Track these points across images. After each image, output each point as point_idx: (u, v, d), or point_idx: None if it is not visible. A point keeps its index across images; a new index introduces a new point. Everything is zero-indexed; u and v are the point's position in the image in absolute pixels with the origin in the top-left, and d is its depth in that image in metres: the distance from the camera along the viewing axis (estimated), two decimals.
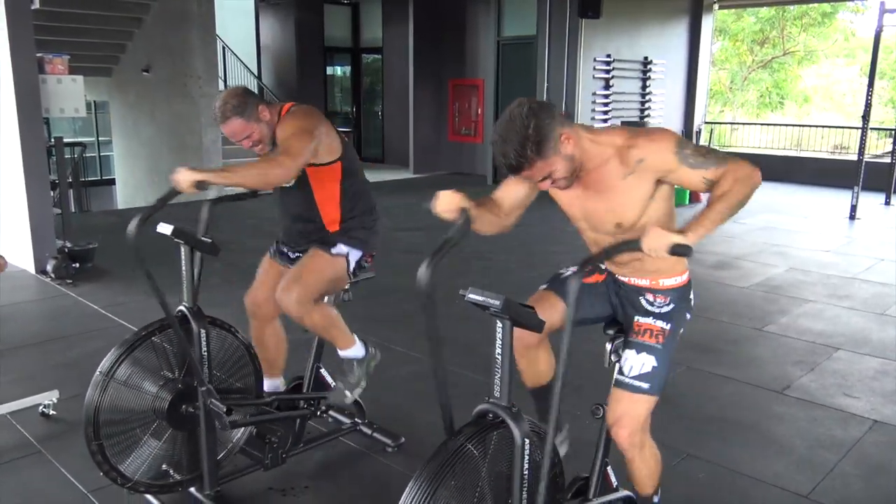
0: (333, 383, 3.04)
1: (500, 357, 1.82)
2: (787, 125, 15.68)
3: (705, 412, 3.61)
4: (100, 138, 14.14)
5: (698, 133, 13.01)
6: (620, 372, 2.20)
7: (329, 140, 2.76)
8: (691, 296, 2.29)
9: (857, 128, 14.03)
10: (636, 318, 2.22)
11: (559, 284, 2.33)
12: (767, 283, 6.02)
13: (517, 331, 2.09)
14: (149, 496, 2.71)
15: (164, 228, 2.52)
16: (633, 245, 1.86)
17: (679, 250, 1.79)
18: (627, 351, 2.20)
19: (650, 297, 2.21)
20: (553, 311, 2.26)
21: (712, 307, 5.32)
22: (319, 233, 2.84)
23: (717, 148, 1.98)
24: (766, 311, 5.28)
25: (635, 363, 2.17)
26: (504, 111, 1.97)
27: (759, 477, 3.01)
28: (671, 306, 2.21)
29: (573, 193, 2.13)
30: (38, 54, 5.80)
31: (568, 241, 7.14)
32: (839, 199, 10.17)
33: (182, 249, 2.58)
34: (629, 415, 2.16)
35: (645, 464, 2.27)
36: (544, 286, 2.38)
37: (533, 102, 1.94)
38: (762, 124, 17.04)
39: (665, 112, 12.19)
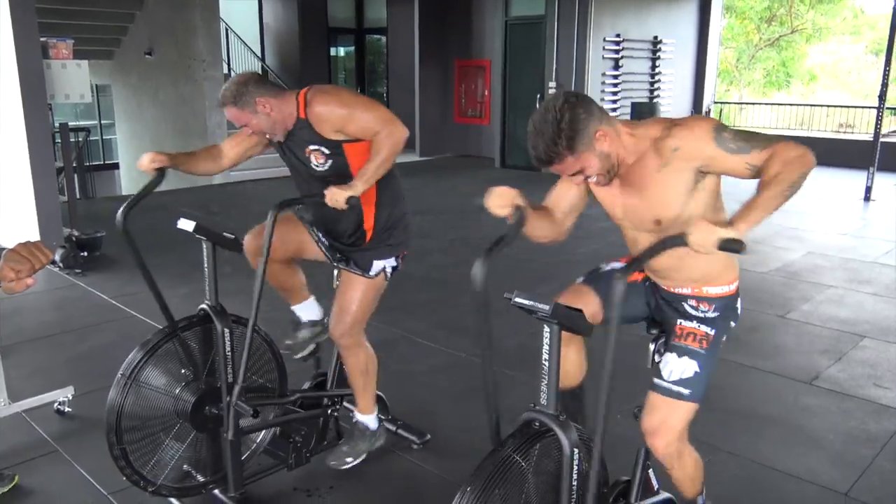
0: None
1: (546, 363, 1.73)
2: (797, 105, 15.50)
3: (734, 405, 3.53)
4: (102, 122, 13.99)
5: (708, 112, 12.86)
6: (659, 376, 2.09)
7: None
8: (738, 305, 2.20)
9: (863, 107, 13.91)
10: (679, 321, 2.12)
11: (596, 279, 2.24)
12: (786, 269, 5.93)
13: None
14: (173, 500, 2.64)
15: (186, 225, 2.44)
16: (677, 241, 1.71)
17: (729, 245, 1.63)
18: (668, 354, 2.10)
19: (693, 303, 2.12)
20: (588, 306, 2.17)
21: None
22: (354, 233, 2.72)
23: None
24: (787, 297, 5.19)
25: (675, 367, 2.06)
26: (544, 101, 1.87)
27: (794, 474, 2.93)
28: (716, 314, 2.11)
29: (613, 191, 2.03)
30: (42, 39, 5.67)
31: (585, 226, 7.04)
32: (850, 180, 10.06)
33: (204, 246, 2.49)
34: (667, 424, 2.04)
35: (684, 471, 2.18)
36: (580, 279, 2.29)
37: (571, 95, 1.84)
38: (772, 104, 16.86)
39: (675, 92, 12.04)
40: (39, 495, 2.79)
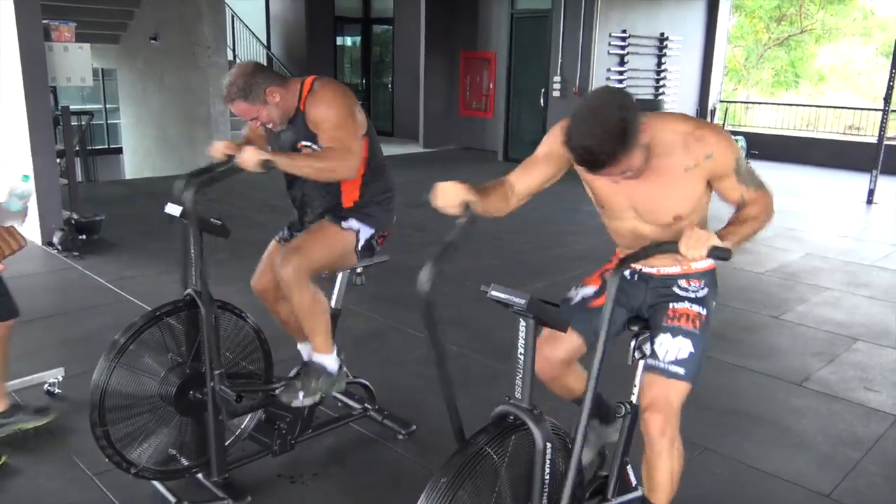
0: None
1: (522, 357, 1.73)
2: (803, 105, 15.42)
3: (723, 404, 3.53)
4: (107, 106, 14.00)
5: (713, 112, 12.80)
6: (654, 357, 2.10)
7: (360, 117, 2.66)
8: (717, 281, 2.23)
9: (871, 109, 13.80)
10: (671, 304, 2.14)
11: (570, 315, 2.21)
12: (783, 270, 5.91)
13: (544, 361, 2.14)
14: (156, 483, 2.66)
15: (173, 209, 2.44)
16: (669, 247, 1.80)
17: (719, 253, 1.74)
18: (662, 335, 2.10)
19: (684, 283, 2.15)
20: (569, 343, 2.21)
21: (727, 293, 5.21)
22: (333, 208, 2.74)
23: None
24: (783, 298, 5.18)
25: (671, 347, 2.08)
26: (587, 100, 1.83)
27: (778, 474, 2.93)
28: (706, 290, 2.16)
29: (621, 182, 1.97)
30: (44, 21, 5.67)
31: (581, 221, 7.05)
32: (855, 182, 10.00)
33: (191, 231, 2.50)
34: (664, 400, 2.05)
35: (670, 462, 2.11)
36: None
37: (621, 95, 1.80)
38: (778, 104, 16.78)
39: (680, 90, 11.98)
40: (26, 475, 2.81)
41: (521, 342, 1.71)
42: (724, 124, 12.62)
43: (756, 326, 4.62)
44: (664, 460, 2.09)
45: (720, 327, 4.52)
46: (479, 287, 1.70)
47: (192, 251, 2.50)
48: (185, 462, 2.68)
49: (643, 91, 11.26)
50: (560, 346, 2.21)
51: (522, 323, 1.70)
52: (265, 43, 13.73)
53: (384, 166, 2.82)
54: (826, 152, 12.10)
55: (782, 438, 3.23)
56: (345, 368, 2.88)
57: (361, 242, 2.74)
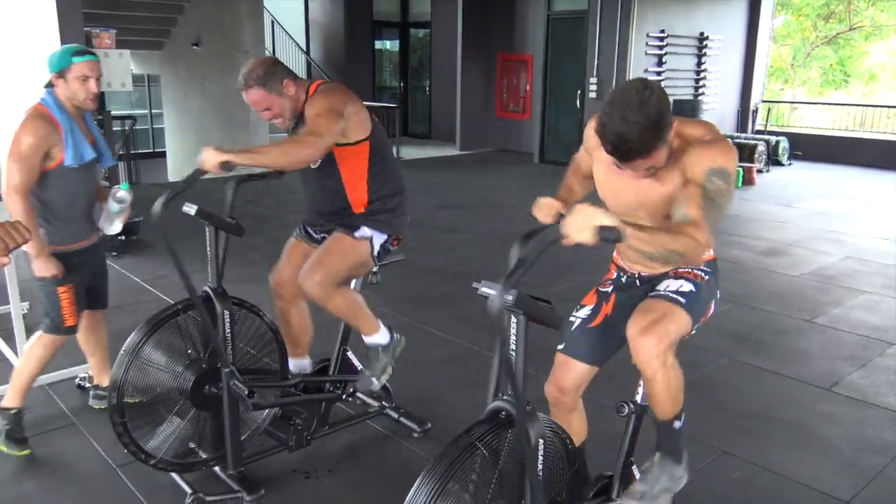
0: (360, 367, 3.00)
1: (514, 353, 1.74)
2: (850, 105, 14.99)
3: (746, 407, 3.47)
4: (152, 111, 14.38)
5: (755, 112, 12.55)
6: (654, 290, 2.11)
7: (358, 118, 2.67)
8: (717, 274, 2.21)
9: None
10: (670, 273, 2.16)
11: (571, 344, 2.24)
12: (821, 272, 5.77)
13: (557, 399, 2.17)
14: (174, 474, 2.73)
15: (189, 209, 2.51)
16: (554, 238, 1.62)
17: (606, 234, 1.56)
18: (664, 281, 2.11)
19: (682, 269, 2.15)
20: (578, 372, 2.21)
21: (760, 296, 5.12)
22: (344, 214, 2.78)
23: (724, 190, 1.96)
24: (818, 301, 5.06)
25: (672, 284, 2.09)
26: (627, 89, 1.78)
27: (797, 479, 2.87)
28: (707, 270, 2.16)
29: (626, 179, 1.98)
30: (86, 28, 5.87)
31: None
32: None
33: (207, 230, 2.57)
34: (659, 326, 1.96)
35: (666, 383, 2.02)
36: (560, 346, 2.27)
37: (660, 89, 1.78)
38: (823, 103, 16.35)
39: (720, 90, 11.78)
40: (52, 465, 2.91)
41: (512, 339, 1.72)
42: (765, 125, 12.37)
43: (787, 330, 4.52)
44: (659, 382, 2.01)
45: (749, 330, 4.44)
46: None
47: (208, 249, 2.57)
48: (202, 455, 2.75)
49: (682, 91, 11.11)
50: (569, 374, 2.21)
51: (513, 319, 1.71)
52: (304, 47, 13.93)
53: (394, 169, 2.85)
54: (876, 152, 11.74)
55: (806, 443, 3.16)
56: (395, 333, 3.00)
57: (377, 248, 2.79)
